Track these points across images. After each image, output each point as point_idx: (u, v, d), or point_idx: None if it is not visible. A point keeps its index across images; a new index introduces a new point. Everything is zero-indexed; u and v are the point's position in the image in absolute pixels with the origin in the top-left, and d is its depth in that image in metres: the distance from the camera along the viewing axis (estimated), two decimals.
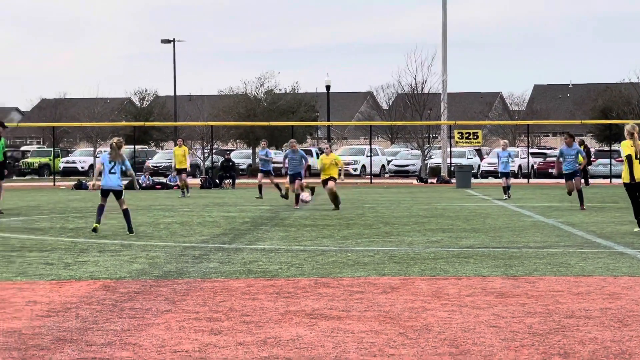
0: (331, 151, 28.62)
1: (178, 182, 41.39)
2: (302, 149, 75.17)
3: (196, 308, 9.67)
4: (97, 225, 18.96)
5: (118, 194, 19.01)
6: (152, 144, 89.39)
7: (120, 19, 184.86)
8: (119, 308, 9.65)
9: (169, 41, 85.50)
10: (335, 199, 27.11)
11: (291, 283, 11.59)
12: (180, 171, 38.58)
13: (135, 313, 9.34)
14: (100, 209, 19.16)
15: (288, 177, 29.44)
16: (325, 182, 27.54)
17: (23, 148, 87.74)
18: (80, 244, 16.67)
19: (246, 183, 49.99)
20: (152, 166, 65.40)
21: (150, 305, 9.86)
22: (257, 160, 45.58)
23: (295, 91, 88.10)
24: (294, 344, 7.82)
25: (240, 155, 74.28)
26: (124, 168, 19.04)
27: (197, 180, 52.45)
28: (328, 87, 65.89)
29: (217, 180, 49.04)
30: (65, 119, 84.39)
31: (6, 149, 26.85)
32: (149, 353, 7.45)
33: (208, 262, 13.75)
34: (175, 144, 40.94)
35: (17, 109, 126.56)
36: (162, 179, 50.57)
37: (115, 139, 19.37)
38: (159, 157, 69.59)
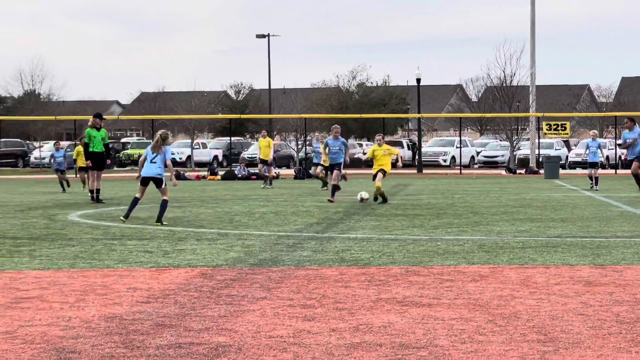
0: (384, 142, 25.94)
1: (258, 172, 41.47)
2: (392, 140, 74.92)
3: (290, 295, 9.71)
4: (125, 219, 18.80)
5: (158, 183, 18.98)
6: (248, 136, 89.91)
7: (217, 14, 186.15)
8: (216, 295, 9.73)
9: (263, 36, 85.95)
10: (381, 195, 25.21)
11: (382, 271, 11.58)
12: (263, 162, 38.62)
13: (232, 300, 9.41)
14: (134, 202, 19.03)
15: (316, 166, 27.63)
16: (375, 176, 25.40)
17: (123, 140, 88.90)
18: (179, 233, 16.84)
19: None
20: (248, 157, 65.79)
21: (245, 292, 9.93)
22: (312, 152, 45.21)
23: (387, 84, 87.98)
24: (385, 331, 7.82)
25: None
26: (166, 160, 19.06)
27: (291, 171, 52.68)
28: (418, 80, 65.62)
29: (310, 171, 49.18)
30: (163, 111, 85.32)
31: (108, 141, 27.19)
32: (244, 338, 7.50)
33: (302, 251, 13.79)
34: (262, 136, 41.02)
35: (117, 102, 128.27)
36: (257, 170, 50.80)
37: (160, 131, 19.49)
38: (254, 149, 69.88)
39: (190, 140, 78.48)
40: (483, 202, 26.28)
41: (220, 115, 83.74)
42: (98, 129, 26.36)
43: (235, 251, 13.80)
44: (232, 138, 66.74)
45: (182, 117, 74.47)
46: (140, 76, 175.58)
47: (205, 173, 52.79)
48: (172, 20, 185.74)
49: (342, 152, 27.10)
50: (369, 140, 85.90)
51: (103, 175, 27.17)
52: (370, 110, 77.10)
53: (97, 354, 6.94)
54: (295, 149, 69.63)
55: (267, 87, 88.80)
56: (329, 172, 28.90)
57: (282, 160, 69.82)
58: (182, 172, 51.52)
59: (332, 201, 25.56)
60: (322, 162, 33.71)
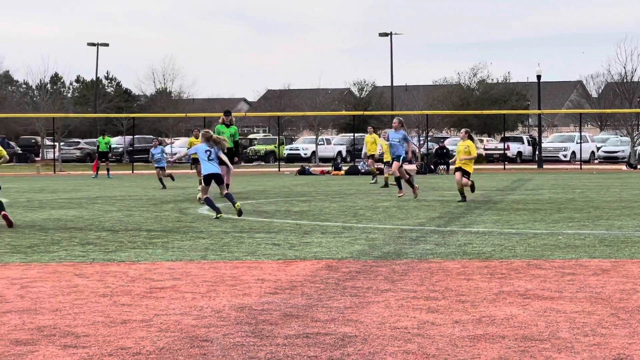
0: (470, 137, 23.94)
1: (368, 168, 41.31)
2: (513, 136, 74.06)
3: (414, 287, 9.68)
4: (221, 214, 18.74)
5: (219, 179, 19.11)
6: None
7: (341, 13, 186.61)
8: (341, 287, 9.76)
9: (386, 34, 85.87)
10: (462, 191, 23.59)
11: (504, 264, 11.47)
12: (370, 157, 38.45)
13: (357, 291, 9.43)
14: (208, 201, 19.00)
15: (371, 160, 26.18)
16: (455, 171, 23.95)
17: (250, 136, 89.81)
18: (304, 226, 16.94)
19: None
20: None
21: (370, 284, 9.93)
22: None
23: (507, 81, 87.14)
24: (508, 323, 7.74)
25: (455, 143, 73.87)
26: (219, 154, 19.25)
27: (413, 166, 52.52)
28: (539, 77, 64.77)
29: (432, 166, 49.01)
30: (289, 108, 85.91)
31: (238, 137, 27.44)
32: (369, 329, 7.51)
33: (425, 244, 13.74)
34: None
35: (244, 100, 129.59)
36: (380, 165, 50.78)
37: (203, 131, 19.70)
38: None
39: (315, 137, 78.89)
40: (604, 197, 25.82)
41: (343, 112, 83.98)
42: (227, 126, 26.65)
43: (360, 244, 13.82)
44: (355, 134, 66.81)
45: (307, 113, 74.94)
46: (267, 74, 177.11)
47: (330, 168, 52.98)
48: (297, 20, 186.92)
49: (401, 145, 25.85)
50: (489, 136, 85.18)
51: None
52: (490, 107, 76.47)
53: (229, 342, 7.03)
54: (417, 145, 69.43)
55: (389, 85, 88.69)
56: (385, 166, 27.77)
57: None
58: (307, 167, 51.82)
59: (401, 195, 25.02)
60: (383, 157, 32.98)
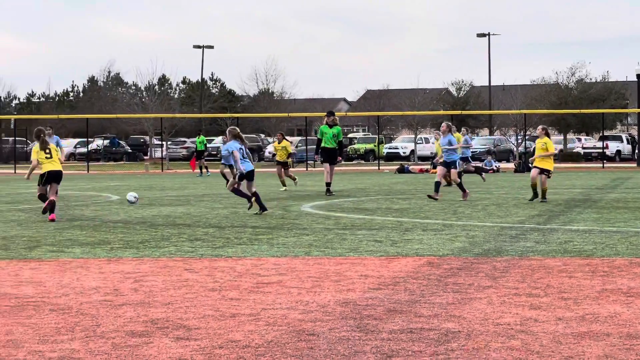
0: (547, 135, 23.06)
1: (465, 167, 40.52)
2: (612, 135, 72.68)
3: (515, 284, 9.58)
4: (266, 210, 19.24)
5: (253, 176, 19.37)
6: (469, 131, 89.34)
7: (438, 14, 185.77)
8: (443, 283, 9.71)
9: (484, 35, 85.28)
10: (533, 189, 22.90)
11: (606, 262, 11.28)
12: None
13: (459, 288, 9.37)
14: (248, 196, 19.31)
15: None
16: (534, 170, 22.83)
17: (350, 135, 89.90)
18: (405, 224, 16.89)
19: (558, 167, 49.01)
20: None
21: (472, 280, 9.86)
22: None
23: (606, 80, 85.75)
24: (612, 321, 7.62)
25: (553, 141, 73.14)
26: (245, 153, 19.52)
27: (511, 165, 52.03)
28: (638, 76, 63.60)
29: (530, 165, 48.53)
30: (388, 108, 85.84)
31: (342, 138, 27.39)
32: (472, 325, 7.45)
33: (525, 242, 13.60)
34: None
35: (344, 100, 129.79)
36: (478, 163, 50.45)
37: (230, 127, 19.81)
38: (475, 143, 69.48)
39: (413, 136, 78.67)
40: None
41: (442, 112, 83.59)
42: (330, 126, 26.71)
43: (460, 241, 13.73)
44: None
45: (406, 113, 74.75)
46: (366, 74, 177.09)
47: (428, 167, 52.75)
48: (395, 21, 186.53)
49: (454, 150, 24.40)
50: (587, 135, 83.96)
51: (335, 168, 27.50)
52: (589, 106, 75.33)
53: (334, 336, 7.04)
54: (515, 144, 68.77)
55: (487, 84, 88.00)
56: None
57: (502, 155, 69.11)
58: (406, 166, 51.66)
59: (434, 198, 23.38)
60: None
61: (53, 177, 18.52)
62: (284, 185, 29.95)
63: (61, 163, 19.05)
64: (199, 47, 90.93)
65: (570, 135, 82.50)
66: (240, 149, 19.43)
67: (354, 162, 73.28)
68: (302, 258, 11.98)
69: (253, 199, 19.19)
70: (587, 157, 69.76)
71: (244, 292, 9.19)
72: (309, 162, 64.55)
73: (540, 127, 23.72)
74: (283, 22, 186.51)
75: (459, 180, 24.26)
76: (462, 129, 38.15)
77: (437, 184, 23.73)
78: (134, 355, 6.47)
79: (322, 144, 26.75)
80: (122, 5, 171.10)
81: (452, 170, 24.35)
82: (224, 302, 8.61)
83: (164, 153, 69.47)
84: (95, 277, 10.37)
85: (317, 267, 11.03)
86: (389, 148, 75.64)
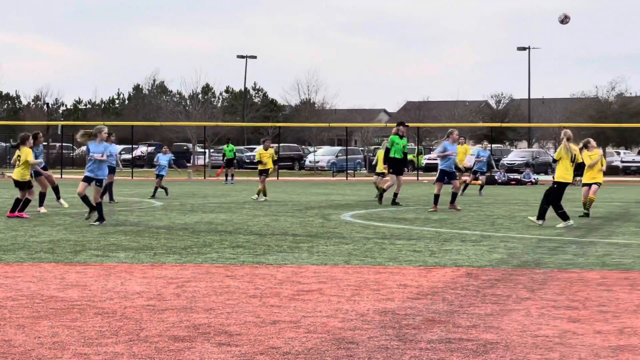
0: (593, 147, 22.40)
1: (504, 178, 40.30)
2: None
3: (554, 297, 9.51)
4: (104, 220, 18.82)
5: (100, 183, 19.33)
6: (507, 143, 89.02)
7: (480, 27, 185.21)
8: (482, 294, 9.67)
9: (524, 48, 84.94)
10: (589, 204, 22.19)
11: None
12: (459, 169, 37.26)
13: (497, 299, 9.32)
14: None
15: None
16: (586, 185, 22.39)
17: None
18: (444, 234, 16.83)
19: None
20: (507, 164, 65.33)
21: (510, 292, 9.81)
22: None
23: None
24: None
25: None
26: None
27: (549, 177, 51.66)
28: None
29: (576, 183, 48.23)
30: (427, 119, 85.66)
31: (407, 150, 27.05)
32: (511, 336, 7.41)
33: (563, 254, 13.50)
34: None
35: (384, 111, 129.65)
36: (517, 176, 50.20)
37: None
38: (514, 155, 69.27)
39: None
40: None
41: (481, 124, 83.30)
42: (401, 137, 26.65)
43: (499, 252, 13.66)
44: (493, 145, 66.29)
45: (445, 125, 74.50)
46: (406, 86, 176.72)
47: (467, 178, 52.51)
48: (434, 33, 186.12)
49: (452, 159, 24.47)
50: (626, 149, 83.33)
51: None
52: (628, 120, 74.78)
53: (374, 345, 7.03)
54: (552, 157, 68.51)
55: (526, 97, 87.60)
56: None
57: (541, 167, 68.78)
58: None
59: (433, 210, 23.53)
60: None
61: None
62: (265, 195, 29.24)
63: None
64: (242, 57, 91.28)
65: (609, 149, 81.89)
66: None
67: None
68: (341, 266, 11.97)
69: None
70: (626, 171, 69.22)
71: (285, 300, 9.20)
72: (348, 171, 64.53)
73: (589, 140, 22.60)
74: (325, 33, 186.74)
75: (459, 191, 24.13)
76: (484, 141, 37.87)
77: (436, 198, 23.84)
78: None
79: (391, 154, 26.55)
80: (168, 15, 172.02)
81: (453, 182, 24.47)
82: (265, 309, 8.62)
83: (207, 160, 69.70)
84: (139, 281, 10.42)
85: (356, 276, 11.01)
86: (428, 159, 75.44)
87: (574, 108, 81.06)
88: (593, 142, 22.71)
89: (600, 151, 22.96)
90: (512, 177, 49.27)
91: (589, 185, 22.31)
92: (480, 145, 34.39)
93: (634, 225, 19.25)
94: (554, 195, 18.82)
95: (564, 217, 18.73)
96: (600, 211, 23.91)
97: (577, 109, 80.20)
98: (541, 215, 18.77)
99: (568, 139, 19.12)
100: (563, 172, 18.90)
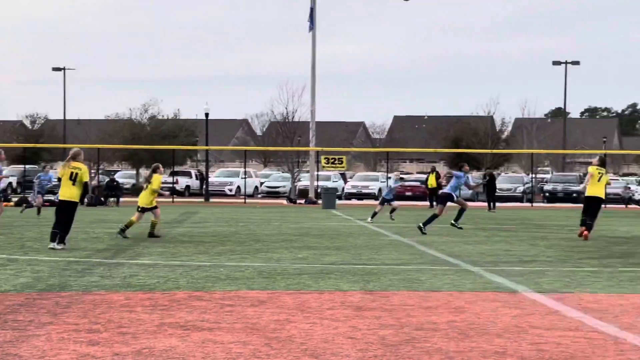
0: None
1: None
2: (181, 170, 74.31)
3: (76, 320, 9.46)
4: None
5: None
6: (42, 164, 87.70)
7: (13, 46, 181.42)
8: (2, 320, 9.38)
9: (59, 69, 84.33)
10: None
11: (167, 296, 11.44)
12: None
13: (18, 324, 9.10)
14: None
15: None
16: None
17: None
18: None
19: (129, 201, 49.28)
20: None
21: (32, 317, 9.61)
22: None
23: (177, 117, 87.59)
24: (167, 354, 7.71)
25: (125, 176, 73.88)
26: None
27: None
28: (207, 114, 65.56)
29: (102, 199, 48.42)
30: None
31: None
32: None
33: (90, 276, 13.49)
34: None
35: None
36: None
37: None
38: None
39: None
40: (265, 230, 26.39)
41: (15, 144, 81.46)
42: None
43: (24, 276, 13.37)
44: (27, 165, 65.07)
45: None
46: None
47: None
48: None
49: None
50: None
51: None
52: (161, 142, 76.41)
53: None
54: (96, 179, 68.33)
55: (62, 118, 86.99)
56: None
57: None
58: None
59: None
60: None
61: None
62: None
63: None
64: None
65: (142, 170, 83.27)
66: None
67: None
68: None
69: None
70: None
71: None
72: None
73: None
74: None
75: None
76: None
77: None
78: None
79: None
80: None
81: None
82: None
83: None
84: None
85: None
86: None
87: (109, 129, 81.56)
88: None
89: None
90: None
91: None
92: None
93: (160, 245, 19.66)
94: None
95: None
96: (131, 231, 24.17)
97: (112, 131, 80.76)
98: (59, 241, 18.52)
99: None
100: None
